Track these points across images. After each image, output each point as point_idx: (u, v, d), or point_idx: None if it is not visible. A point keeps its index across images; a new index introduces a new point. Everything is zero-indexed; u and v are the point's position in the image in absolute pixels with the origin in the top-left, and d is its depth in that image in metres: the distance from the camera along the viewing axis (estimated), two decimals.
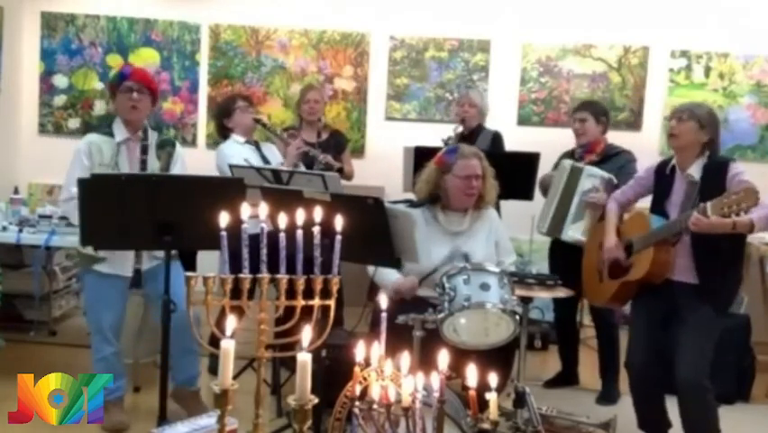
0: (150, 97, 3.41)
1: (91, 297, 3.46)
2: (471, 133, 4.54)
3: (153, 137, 3.40)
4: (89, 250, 3.30)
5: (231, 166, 3.64)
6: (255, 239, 1.86)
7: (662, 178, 3.19)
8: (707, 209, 2.78)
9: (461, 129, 4.55)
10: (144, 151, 3.29)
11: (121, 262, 3.33)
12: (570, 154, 4.17)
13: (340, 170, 4.45)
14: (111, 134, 3.36)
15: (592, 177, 3.85)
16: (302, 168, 4.20)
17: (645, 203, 3.33)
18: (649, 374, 3.16)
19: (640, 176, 3.39)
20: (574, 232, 3.91)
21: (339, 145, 4.75)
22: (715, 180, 2.97)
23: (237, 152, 4.05)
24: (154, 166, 3.34)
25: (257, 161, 4.04)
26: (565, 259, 3.95)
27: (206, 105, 5.89)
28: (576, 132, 4.13)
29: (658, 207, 3.17)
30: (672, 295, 3.06)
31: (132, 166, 3.33)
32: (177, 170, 3.43)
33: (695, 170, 3.05)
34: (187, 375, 3.51)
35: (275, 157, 4.26)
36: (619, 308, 3.40)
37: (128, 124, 3.36)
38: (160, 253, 3.32)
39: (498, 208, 4.32)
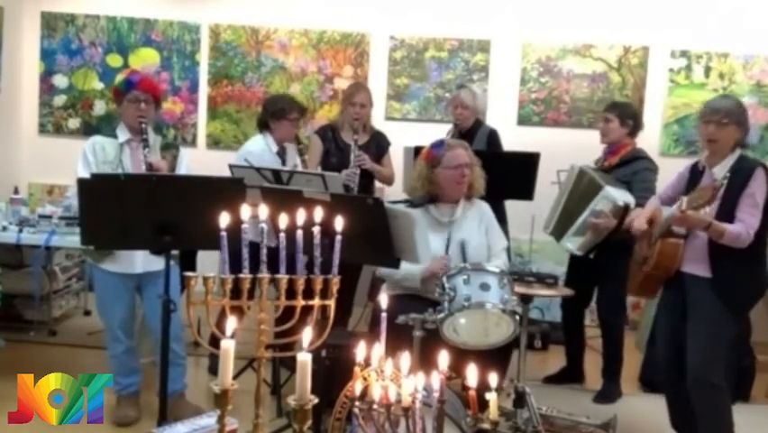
0: (154, 104, 3.51)
1: (100, 294, 3.52)
2: (468, 132, 4.53)
3: (152, 136, 3.48)
4: None
5: (231, 166, 3.64)
6: (255, 246, 1.86)
7: (695, 174, 3.09)
8: (683, 203, 2.73)
9: (455, 130, 4.54)
10: (146, 148, 3.35)
11: (127, 261, 3.39)
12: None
13: (372, 177, 4.38)
14: (115, 136, 3.46)
15: (607, 200, 3.71)
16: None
17: None
18: (677, 371, 3.05)
19: (680, 172, 3.24)
20: (571, 244, 3.90)
21: (380, 148, 4.48)
22: (738, 186, 2.87)
23: (261, 157, 3.98)
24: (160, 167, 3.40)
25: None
26: (583, 264, 3.95)
27: (206, 105, 5.89)
28: (601, 131, 4.10)
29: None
30: (685, 288, 2.98)
31: (135, 164, 3.41)
32: (182, 171, 3.52)
33: (720, 170, 2.94)
34: (174, 388, 3.40)
35: (292, 158, 4.17)
36: (649, 298, 3.31)
37: (132, 128, 3.44)
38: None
39: (502, 209, 4.33)
